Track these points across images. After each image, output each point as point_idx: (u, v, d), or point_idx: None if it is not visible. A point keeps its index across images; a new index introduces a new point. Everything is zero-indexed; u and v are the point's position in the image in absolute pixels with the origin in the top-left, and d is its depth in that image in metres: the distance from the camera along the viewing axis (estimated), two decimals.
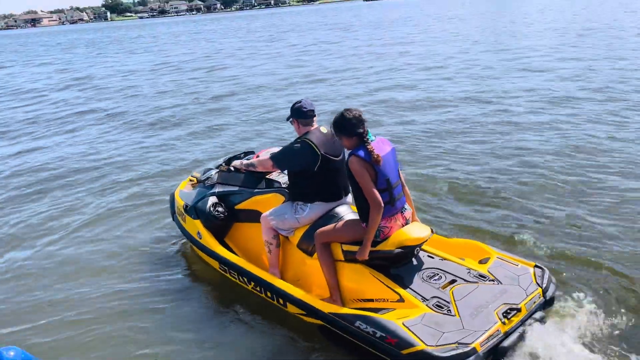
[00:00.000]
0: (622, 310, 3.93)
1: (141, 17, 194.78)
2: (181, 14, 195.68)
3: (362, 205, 3.69)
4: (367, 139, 3.64)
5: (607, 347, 3.56)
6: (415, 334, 3.23)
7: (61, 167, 8.92)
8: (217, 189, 4.96)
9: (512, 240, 5.06)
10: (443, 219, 5.68)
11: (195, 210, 4.90)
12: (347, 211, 4.24)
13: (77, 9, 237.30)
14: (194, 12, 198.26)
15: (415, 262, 3.90)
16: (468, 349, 3.13)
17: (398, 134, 9.17)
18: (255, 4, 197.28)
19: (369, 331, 3.39)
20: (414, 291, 3.66)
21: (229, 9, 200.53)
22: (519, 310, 3.44)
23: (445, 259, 4.00)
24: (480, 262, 3.95)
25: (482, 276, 3.76)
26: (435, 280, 3.75)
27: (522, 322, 3.44)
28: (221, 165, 5.14)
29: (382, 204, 3.57)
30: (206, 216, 4.76)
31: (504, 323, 3.34)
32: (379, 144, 3.70)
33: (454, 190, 6.45)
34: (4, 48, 48.79)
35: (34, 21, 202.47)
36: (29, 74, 25.94)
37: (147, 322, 4.38)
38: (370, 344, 3.40)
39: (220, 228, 4.82)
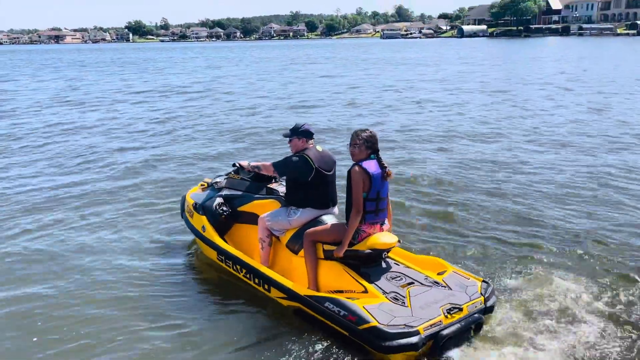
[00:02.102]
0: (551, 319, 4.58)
1: (162, 41, 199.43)
2: (201, 39, 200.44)
3: (350, 210, 4.43)
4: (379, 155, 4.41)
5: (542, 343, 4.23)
6: (371, 315, 3.97)
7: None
8: (224, 192, 5.75)
9: (472, 260, 5.78)
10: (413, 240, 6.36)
11: (202, 207, 5.68)
12: (332, 219, 4.99)
13: (101, 28, 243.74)
14: (213, 39, 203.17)
15: (383, 265, 4.66)
16: (413, 329, 3.87)
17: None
18: (274, 35, 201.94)
19: (335, 310, 4.15)
20: (377, 286, 4.41)
21: (248, 38, 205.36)
22: (460, 309, 4.15)
23: (408, 267, 4.75)
24: (438, 274, 4.67)
25: (436, 283, 4.49)
26: (396, 280, 4.51)
27: (462, 320, 4.12)
28: (230, 173, 5.94)
29: (361, 211, 4.35)
30: (212, 213, 5.54)
31: (446, 317, 4.06)
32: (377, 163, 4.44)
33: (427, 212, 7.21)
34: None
35: (57, 38, 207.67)
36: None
37: (148, 311, 4.94)
38: (335, 321, 4.16)
39: (222, 224, 5.58)
